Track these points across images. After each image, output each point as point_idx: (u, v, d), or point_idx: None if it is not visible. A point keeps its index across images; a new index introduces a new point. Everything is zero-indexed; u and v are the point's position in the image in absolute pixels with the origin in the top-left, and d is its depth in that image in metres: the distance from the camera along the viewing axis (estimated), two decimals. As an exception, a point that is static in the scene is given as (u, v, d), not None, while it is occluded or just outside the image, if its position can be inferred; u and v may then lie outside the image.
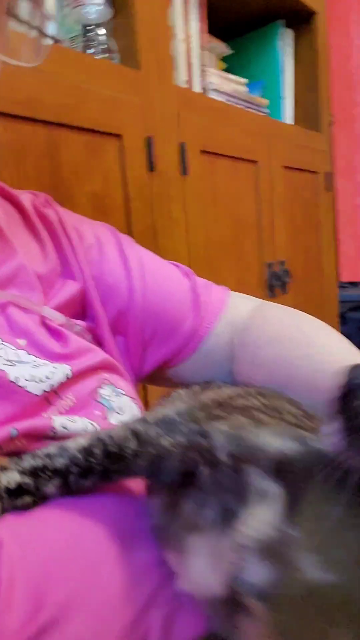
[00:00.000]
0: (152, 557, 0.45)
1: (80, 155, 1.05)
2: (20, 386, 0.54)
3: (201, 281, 0.80)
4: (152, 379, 0.82)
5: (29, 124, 0.95)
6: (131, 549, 0.45)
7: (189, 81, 1.46)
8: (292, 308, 0.77)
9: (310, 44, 1.95)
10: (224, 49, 1.72)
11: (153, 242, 1.25)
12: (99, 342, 0.72)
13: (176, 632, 0.43)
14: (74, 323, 0.68)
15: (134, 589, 0.43)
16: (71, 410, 0.58)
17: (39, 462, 0.47)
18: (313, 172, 1.97)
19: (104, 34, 1.16)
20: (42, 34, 0.59)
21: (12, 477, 0.45)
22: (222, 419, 0.46)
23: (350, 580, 0.34)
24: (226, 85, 1.60)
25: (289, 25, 1.87)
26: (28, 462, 0.47)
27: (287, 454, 0.39)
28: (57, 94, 0.99)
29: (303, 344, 0.68)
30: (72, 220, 0.77)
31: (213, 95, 1.54)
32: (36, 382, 0.55)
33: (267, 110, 1.79)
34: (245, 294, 0.83)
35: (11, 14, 0.57)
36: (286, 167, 1.77)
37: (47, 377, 0.56)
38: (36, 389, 0.55)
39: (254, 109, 1.71)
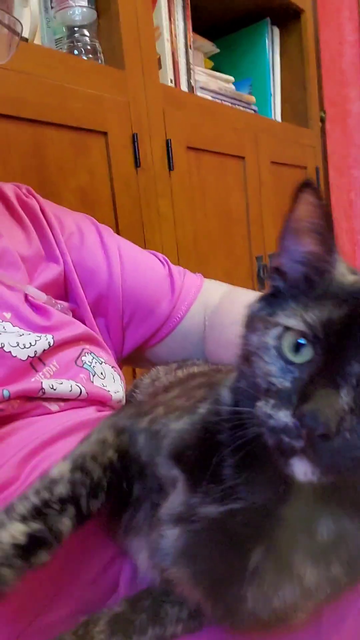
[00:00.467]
0: None
1: (66, 153, 1.09)
2: (6, 351, 0.59)
3: (177, 268, 0.86)
4: (131, 360, 0.87)
5: (14, 123, 0.99)
6: None
7: (176, 80, 1.49)
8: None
9: (297, 42, 1.99)
10: (210, 47, 1.76)
11: (141, 236, 1.29)
12: (81, 322, 0.76)
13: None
14: (55, 302, 0.72)
15: None
16: (56, 375, 0.64)
17: (36, 500, 0.40)
18: (302, 167, 2.01)
19: (89, 36, 1.20)
20: (13, 32, 0.63)
21: (15, 530, 0.38)
22: (147, 415, 0.48)
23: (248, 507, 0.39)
24: (213, 83, 1.64)
25: (276, 23, 1.91)
26: (23, 505, 0.40)
27: (181, 436, 0.43)
28: (42, 94, 1.03)
29: None
30: (53, 209, 0.82)
31: (200, 93, 1.58)
32: (21, 348, 0.60)
33: (255, 107, 1.82)
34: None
35: None
36: (274, 163, 1.81)
37: (31, 344, 0.61)
38: (21, 354, 0.60)
39: (241, 106, 1.74)
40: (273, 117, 1.94)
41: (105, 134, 1.17)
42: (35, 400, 0.60)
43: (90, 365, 0.68)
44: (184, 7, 1.51)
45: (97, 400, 0.66)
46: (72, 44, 1.20)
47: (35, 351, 0.62)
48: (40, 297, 0.70)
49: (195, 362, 0.74)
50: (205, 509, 0.39)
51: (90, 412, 0.63)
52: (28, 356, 0.61)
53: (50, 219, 0.79)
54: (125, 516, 0.46)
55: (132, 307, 0.80)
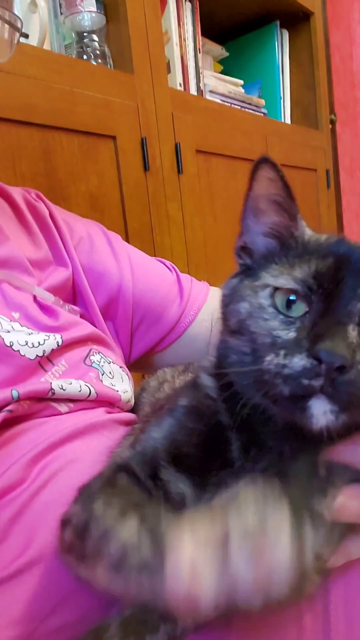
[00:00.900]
0: None
1: (75, 157, 1.10)
2: (15, 350, 0.59)
3: (184, 275, 0.86)
4: (139, 366, 0.87)
5: (24, 128, 1.00)
6: None
7: (185, 83, 1.50)
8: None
9: (307, 44, 1.98)
10: (220, 51, 1.76)
11: (150, 240, 1.29)
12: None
13: None
14: (63, 303, 0.73)
15: None
16: (65, 374, 0.63)
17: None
18: (312, 169, 2.00)
19: (98, 41, 1.21)
20: (14, 27, 0.64)
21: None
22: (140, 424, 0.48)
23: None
24: (222, 87, 1.64)
25: (285, 26, 1.90)
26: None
27: (170, 437, 0.43)
28: (51, 99, 1.04)
29: None
30: (63, 215, 0.83)
31: (209, 97, 1.58)
32: (29, 347, 0.60)
33: (264, 110, 1.82)
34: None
35: None
36: (284, 165, 1.79)
37: (40, 343, 0.61)
38: (30, 353, 0.60)
39: (251, 109, 1.74)
40: (283, 119, 1.94)
41: (114, 138, 1.18)
42: (44, 401, 0.60)
43: (99, 364, 0.68)
44: (193, 12, 1.52)
45: (106, 401, 0.66)
46: (81, 49, 1.21)
47: (44, 350, 0.61)
48: (48, 298, 0.70)
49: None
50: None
51: (99, 414, 0.63)
52: (37, 355, 0.60)
53: (60, 224, 0.79)
54: None
55: (141, 311, 0.81)
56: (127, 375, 0.73)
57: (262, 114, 1.80)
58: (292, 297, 0.37)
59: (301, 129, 1.97)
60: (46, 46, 1.13)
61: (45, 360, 0.62)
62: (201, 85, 1.55)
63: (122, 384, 0.69)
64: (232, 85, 1.69)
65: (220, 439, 0.41)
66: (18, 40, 0.66)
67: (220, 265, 1.54)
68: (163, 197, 1.32)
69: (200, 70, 1.55)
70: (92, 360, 0.67)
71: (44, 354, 0.61)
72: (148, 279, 0.83)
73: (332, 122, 2.63)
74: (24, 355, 0.59)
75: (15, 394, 0.56)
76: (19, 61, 0.96)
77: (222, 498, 0.35)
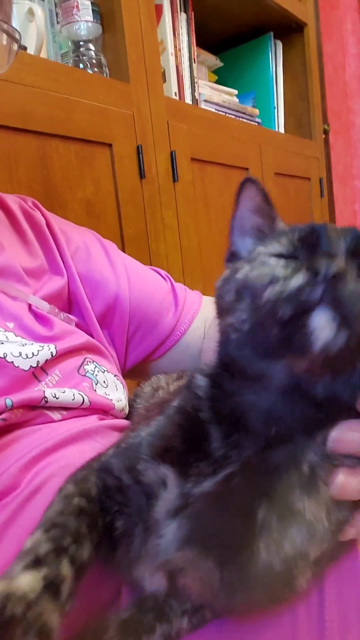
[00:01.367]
0: None
1: (71, 164, 1.11)
2: (8, 361, 0.59)
3: (178, 284, 0.87)
4: (134, 374, 0.87)
5: (21, 135, 1.00)
6: None
7: (180, 93, 1.51)
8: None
9: (300, 55, 2.01)
10: (214, 61, 1.78)
11: (146, 247, 1.30)
12: (88, 335, 0.77)
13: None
14: (58, 311, 0.73)
15: None
16: (58, 384, 0.63)
17: (25, 561, 0.37)
18: (306, 178, 2.02)
19: (94, 50, 1.22)
20: (12, 38, 0.65)
21: (27, 579, 0.35)
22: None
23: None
24: (217, 96, 1.66)
25: (278, 37, 1.93)
26: (19, 563, 0.37)
27: (159, 433, 0.45)
28: (48, 106, 1.04)
29: None
30: (59, 224, 0.83)
31: (204, 106, 1.60)
32: (23, 358, 0.60)
33: (258, 120, 1.84)
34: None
35: None
36: (278, 174, 1.82)
37: (34, 354, 0.61)
38: (24, 364, 0.60)
39: (245, 119, 1.76)
40: (277, 129, 1.96)
41: (110, 145, 1.19)
42: (37, 409, 0.60)
43: (92, 374, 0.68)
44: (188, 22, 1.54)
45: (100, 409, 0.66)
46: (77, 58, 1.22)
47: (38, 361, 0.61)
48: (44, 306, 0.70)
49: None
50: (201, 487, 0.41)
51: (92, 421, 0.63)
52: (30, 366, 0.60)
53: (56, 233, 0.80)
54: (120, 553, 0.45)
55: (137, 319, 0.81)
56: (122, 383, 0.73)
57: (256, 124, 1.82)
58: (286, 264, 0.41)
59: (295, 138, 2.00)
60: (43, 55, 1.14)
61: (39, 371, 0.62)
62: (196, 94, 1.57)
63: (116, 393, 0.70)
64: (226, 95, 1.71)
65: (201, 434, 0.43)
66: (16, 52, 0.66)
67: (216, 271, 1.55)
68: (158, 205, 1.33)
69: (195, 80, 1.56)
70: (86, 370, 0.68)
71: (38, 364, 0.61)
72: (144, 287, 0.83)
73: (326, 131, 2.66)
74: (18, 367, 0.59)
75: (9, 402, 0.56)
76: (16, 69, 0.96)
77: None
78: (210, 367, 0.47)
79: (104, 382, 0.69)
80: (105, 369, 0.71)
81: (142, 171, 1.27)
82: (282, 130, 1.99)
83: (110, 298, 0.79)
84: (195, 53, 1.57)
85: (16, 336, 0.63)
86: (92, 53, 1.22)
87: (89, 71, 1.21)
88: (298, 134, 2.04)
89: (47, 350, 0.63)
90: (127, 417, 0.71)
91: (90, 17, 1.20)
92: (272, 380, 0.40)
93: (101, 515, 0.44)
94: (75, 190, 1.12)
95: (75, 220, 1.10)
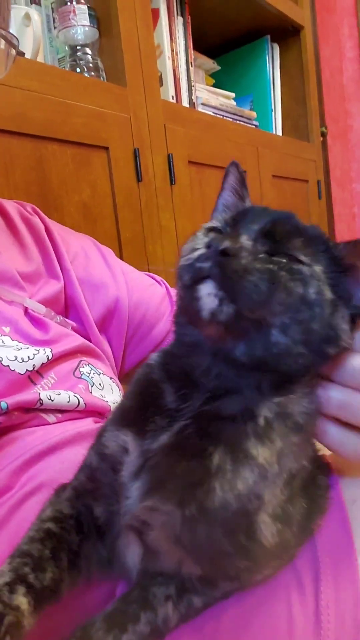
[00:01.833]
0: None
1: (68, 167, 1.11)
2: (4, 365, 0.59)
3: (173, 289, 0.88)
4: (131, 378, 0.88)
5: (17, 138, 1.01)
6: None
7: (177, 96, 1.52)
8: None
9: (297, 58, 2.02)
10: (211, 65, 1.79)
11: (143, 249, 1.30)
12: (86, 339, 0.77)
13: None
14: (54, 314, 0.73)
15: None
16: (54, 387, 0.64)
17: (6, 577, 0.41)
18: (303, 180, 2.02)
19: (91, 54, 1.23)
20: (10, 44, 0.65)
21: None
22: None
23: None
24: (214, 100, 1.67)
25: (275, 40, 1.94)
26: None
27: (119, 405, 0.51)
28: (44, 110, 1.05)
29: None
30: (58, 230, 0.84)
31: (201, 109, 1.60)
32: (19, 362, 0.61)
33: (256, 123, 1.85)
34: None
35: None
36: (275, 176, 1.82)
37: (29, 358, 0.62)
38: (20, 367, 0.60)
39: (242, 122, 1.77)
40: (274, 132, 1.97)
41: (107, 148, 1.19)
42: (32, 411, 0.60)
43: (88, 376, 0.68)
44: (185, 26, 1.55)
45: (95, 411, 0.66)
46: (74, 62, 1.22)
47: (34, 365, 0.62)
48: (40, 310, 0.71)
49: None
50: (158, 442, 0.43)
51: (87, 423, 0.63)
52: (26, 370, 0.61)
53: (56, 238, 0.80)
54: (108, 538, 0.47)
55: (135, 324, 0.82)
56: (118, 386, 0.73)
57: (253, 126, 1.83)
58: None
59: (292, 140, 2.00)
60: (40, 59, 1.14)
61: (35, 374, 0.62)
62: (193, 98, 1.58)
63: (112, 395, 0.70)
64: (223, 98, 1.72)
65: (154, 391, 0.46)
66: (14, 58, 0.67)
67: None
68: (155, 207, 1.33)
69: (192, 84, 1.57)
70: (82, 372, 0.68)
71: (33, 368, 0.62)
72: (141, 292, 0.84)
73: (323, 134, 2.66)
74: (14, 370, 0.60)
75: (4, 405, 0.56)
76: (12, 73, 0.96)
77: None
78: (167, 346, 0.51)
79: (100, 384, 0.69)
80: (101, 372, 0.71)
81: (139, 174, 1.27)
82: (279, 133, 2.00)
83: (111, 302, 0.80)
84: (192, 57, 1.58)
85: (12, 340, 0.63)
86: (89, 57, 1.22)
87: (86, 75, 1.22)
88: (295, 137, 2.04)
89: (42, 354, 0.63)
90: None
91: (87, 22, 1.20)
92: (201, 344, 0.43)
93: (75, 529, 0.47)
94: (72, 194, 1.12)
95: (72, 224, 1.11)
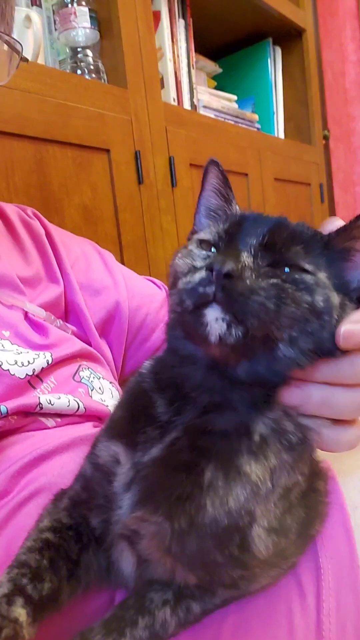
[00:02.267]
0: None
1: (68, 170, 1.10)
2: (4, 369, 0.59)
3: None
4: None
5: (18, 140, 1.00)
6: None
7: (179, 99, 1.51)
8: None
9: (299, 61, 2.01)
10: (213, 67, 1.79)
11: (144, 252, 1.29)
12: (87, 343, 0.77)
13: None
14: (54, 318, 0.73)
15: None
16: (54, 391, 0.63)
17: (4, 589, 0.42)
18: (306, 183, 2.02)
19: (92, 56, 1.22)
20: (13, 49, 0.65)
21: None
22: None
23: None
24: (216, 102, 1.66)
25: (277, 43, 1.93)
26: None
27: (111, 416, 0.51)
28: (45, 112, 1.04)
29: None
30: (59, 234, 0.84)
31: (203, 112, 1.60)
32: (19, 366, 0.60)
33: (258, 125, 1.84)
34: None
35: None
36: (277, 179, 1.82)
37: (29, 362, 0.61)
38: (19, 372, 0.60)
39: (244, 124, 1.76)
40: (276, 134, 1.96)
41: (108, 151, 1.19)
42: (32, 415, 0.60)
43: (88, 380, 0.68)
44: (187, 29, 1.54)
45: (95, 416, 0.66)
46: (75, 64, 1.22)
47: (34, 369, 0.62)
48: (40, 314, 0.70)
49: None
50: (149, 454, 0.43)
51: (87, 428, 0.63)
52: (26, 374, 0.61)
53: (56, 243, 0.80)
54: (104, 549, 0.48)
55: (135, 328, 0.82)
56: (118, 390, 0.73)
57: (255, 129, 1.82)
58: (213, 250, 0.44)
59: (294, 143, 1.99)
60: (40, 61, 1.14)
61: (34, 379, 0.62)
62: (195, 100, 1.57)
63: (112, 399, 0.69)
64: (225, 101, 1.72)
65: (146, 401, 0.45)
66: (18, 64, 0.67)
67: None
68: (157, 210, 1.32)
69: (194, 86, 1.56)
70: (81, 376, 0.68)
71: (33, 372, 0.61)
72: (141, 296, 0.84)
73: (326, 137, 2.66)
74: (14, 375, 0.59)
75: (3, 409, 0.56)
76: (13, 75, 0.96)
77: None
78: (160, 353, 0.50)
79: (100, 388, 0.69)
80: (101, 376, 0.71)
81: (140, 177, 1.26)
82: (281, 135, 1.99)
83: (111, 305, 0.80)
84: (194, 59, 1.58)
85: (12, 344, 0.63)
86: (90, 59, 1.22)
87: (87, 77, 1.21)
88: (297, 140, 2.04)
89: (42, 359, 0.63)
90: None
91: (87, 24, 1.20)
92: (198, 359, 0.43)
93: (74, 538, 0.47)
94: (73, 196, 1.11)
95: (73, 226, 1.10)
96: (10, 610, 0.40)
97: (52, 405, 0.60)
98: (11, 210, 0.80)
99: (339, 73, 2.73)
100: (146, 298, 0.84)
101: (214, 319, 0.37)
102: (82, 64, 1.22)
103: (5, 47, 0.64)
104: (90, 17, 1.20)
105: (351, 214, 2.92)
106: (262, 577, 0.47)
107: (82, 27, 1.20)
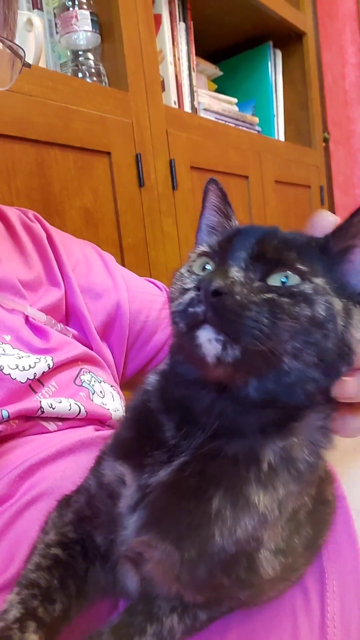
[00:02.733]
0: None
1: (70, 172, 1.10)
2: (5, 373, 0.59)
3: None
4: (133, 384, 0.87)
5: (19, 143, 1.00)
6: None
7: (179, 101, 1.52)
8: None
9: (300, 64, 2.02)
10: (213, 70, 1.79)
11: (145, 255, 1.29)
12: (87, 347, 0.77)
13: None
14: (55, 322, 0.73)
15: None
16: (55, 395, 0.63)
17: (15, 612, 0.41)
18: (306, 186, 2.02)
19: (93, 59, 1.23)
20: (16, 54, 0.65)
21: None
22: None
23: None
24: (216, 105, 1.66)
25: (278, 46, 1.94)
26: None
27: (116, 433, 0.49)
28: (46, 115, 1.04)
29: None
30: (60, 237, 0.84)
31: (204, 115, 1.60)
32: (20, 370, 0.60)
33: (258, 128, 1.84)
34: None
35: None
36: (278, 182, 1.82)
37: (30, 366, 0.61)
38: (21, 376, 0.60)
39: (245, 127, 1.76)
40: (276, 137, 1.96)
41: (109, 154, 1.19)
42: (33, 419, 0.60)
43: (89, 384, 0.68)
44: (187, 32, 1.54)
45: (96, 419, 0.66)
46: (76, 67, 1.22)
47: (35, 373, 0.61)
48: (40, 318, 0.70)
49: None
50: (157, 477, 0.42)
51: (88, 431, 0.63)
52: (27, 378, 0.60)
53: (57, 246, 0.80)
54: (109, 566, 0.47)
55: (136, 330, 0.81)
56: (119, 394, 0.73)
57: (256, 132, 1.82)
58: (207, 267, 0.43)
59: (295, 146, 2.00)
60: (42, 64, 1.14)
61: (35, 383, 0.62)
62: (195, 103, 1.57)
63: (113, 403, 0.69)
64: (226, 104, 1.72)
65: (153, 423, 0.44)
66: (20, 70, 0.67)
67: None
68: (158, 213, 1.32)
69: (195, 89, 1.57)
70: (83, 380, 0.67)
71: (34, 376, 0.61)
72: (142, 298, 0.84)
73: (326, 140, 2.66)
74: (15, 379, 0.59)
75: (5, 413, 0.56)
76: (14, 78, 0.97)
77: None
78: (164, 366, 0.49)
79: (101, 392, 0.69)
80: (102, 379, 0.70)
81: (141, 179, 1.27)
82: (281, 138, 2.00)
83: (112, 308, 0.80)
84: (195, 62, 1.58)
85: (13, 348, 0.63)
86: (91, 62, 1.22)
87: (88, 80, 1.21)
88: (298, 142, 2.04)
89: (44, 363, 0.63)
90: None
91: (89, 27, 1.20)
92: (206, 383, 0.41)
93: (82, 554, 0.47)
94: (74, 199, 1.11)
95: (74, 229, 1.10)
96: (24, 638, 0.39)
97: (53, 409, 0.60)
98: (12, 213, 0.80)
99: (339, 76, 2.73)
100: (147, 300, 0.84)
101: (207, 340, 0.36)
102: (83, 67, 1.22)
103: (8, 52, 0.64)
104: (92, 20, 1.20)
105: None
106: (271, 591, 0.47)
107: (83, 31, 1.20)
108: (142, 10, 1.28)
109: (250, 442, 0.41)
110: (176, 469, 0.41)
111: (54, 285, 0.77)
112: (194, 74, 1.56)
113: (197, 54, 1.61)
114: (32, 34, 1.08)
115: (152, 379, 0.48)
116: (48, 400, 0.60)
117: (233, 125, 1.71)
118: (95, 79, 1.22)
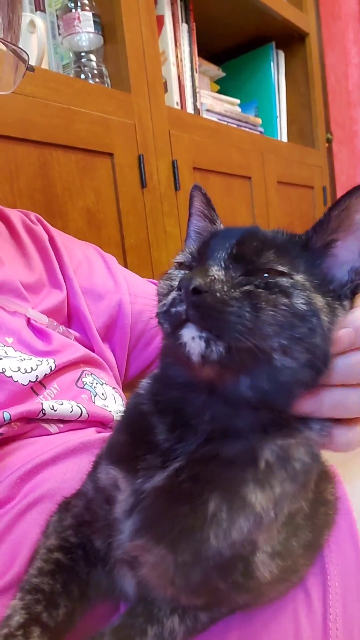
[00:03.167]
0: None
1: (72, 173, 1.11)
2: (7, 376, 0.59)
3: None
4: (134, 387, 0.87)
5: (22, 145, 1.00)
6: None
7: (182, 102, 1.52)
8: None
9: (302, 65, 2.02)
10: (216, 71, 1.79)
11: (147, 256, 1.29)
12: (89, 349, 0.77)
13: None
14: (57, 324, 0.73)
15: None
16: (57, 397, 0.63)
17: (19, 617, 0.42)
18: (309, 186, 2.01)
19: (96, 60, 1.23)
20: (20, 58, 0.65)
21: None
22: None
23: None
24: (219, 106, 1.66)
25: (280, 47, 1.94)
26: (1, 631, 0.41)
27: (110, 438, 0.50)
28: (49, 116, 1.05)
29: None
30: (62, 239, 0.84)
31: (206, 116, 1.60)
32: (22, 372, 0.60)
33: (261, 129, 1.84)
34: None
35: None
36: (281, 182, 1.82)
37: (32, 369, 0.61)
38: (23, 378, 0.60)
39: (247, 128, 1.76)
40: (279, 138, 1.96)
41: (111, 155, 1.19)
42: (34, 421, 0.60)
43: (91, 386, 0.68)
44: (190, 33, 1.55)
45: (98, 422, 0.66)
46: (79, 69, 1.22)
47: (37, 376, 0.62)
48: (42, 320, 0.70)
49: None
50: (151, 482, 0.42)
51: (90, 433, 0.63)
52: (29, 381, 0.61)
53: (59, 247, 0.80)
54: (108, 569, 0.47)
55: (138, 331, 0.82)
56: (120, 396, 0.73)
57: (258, 133, 1.82)
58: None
59: (297, 147, 1.99)
60: (44, 66, 1.14)
61: (37, 385, 0.62)
62: (198, 104, 1.57)
63: (115, 405, 0.69)
64: (228, 105, 1.72)
65: (145, 426, 0.44)
66: (24, 74, 0.67)
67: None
68: (160, 214, 1.32)
69: (197, 90, 1.57)
70: (84, 382, 0.68)
71: (36, 379, 0.61)
72: (144, 299, 0.83)
73: (329, 140, 2.66)
74: (17, 381, 0.59)
75: (7, 416, 0.56)
76: (16, 79, 0.97)
77: None
78: (157, 369, 0.49)
79: (103, 394, 0.69)
80: (104, 382, 0.70)
81: (143, 180, 1.27)
82: (284, 139, 1.99)
83: (114, 310, 0.80)
84: (197, 63, 1.58)
85: (15, 351, 0.63)
86: (94, 64, 1.22)
87: (91, 82, 1.21)
88: (301, 143, 2.04)
89: (46, 365, 0.63)
90: None
91: (91, 29, 1.21)
92: (197, 384, 0.41)
93: (83, 558, 0.47)
94: (76, 200, 1.11)
95: (76, 230, 1.10)
96: None
97: (55, 411, 0.60)
98: (14, 215, 0.80)
99: (342, 76, 2.73)
100: (149, 301, 0.84)
101: (191, 338, 0.36)
102: (85, 68, 1.22)
103: (12, 55, 0.64)
104: (94, 21, 1.20)
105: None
106: (271, 592, 0.47)
107: (85, 32, 1.20)
108: (144, 11, 1.28)
109: (248, 442, 0.41)
110: (171, 474, 0.41)
111: (55, 287, 0.78)
112: (196, 75, 1.56)
113: (199, 55, 1.61)
114: (34, 35, 1.09)
115: (144, 382, 0.48)
116: (50, 402, 0.60)
117: (235, 126, 1.71)
118: (97, 80, 1.23)
